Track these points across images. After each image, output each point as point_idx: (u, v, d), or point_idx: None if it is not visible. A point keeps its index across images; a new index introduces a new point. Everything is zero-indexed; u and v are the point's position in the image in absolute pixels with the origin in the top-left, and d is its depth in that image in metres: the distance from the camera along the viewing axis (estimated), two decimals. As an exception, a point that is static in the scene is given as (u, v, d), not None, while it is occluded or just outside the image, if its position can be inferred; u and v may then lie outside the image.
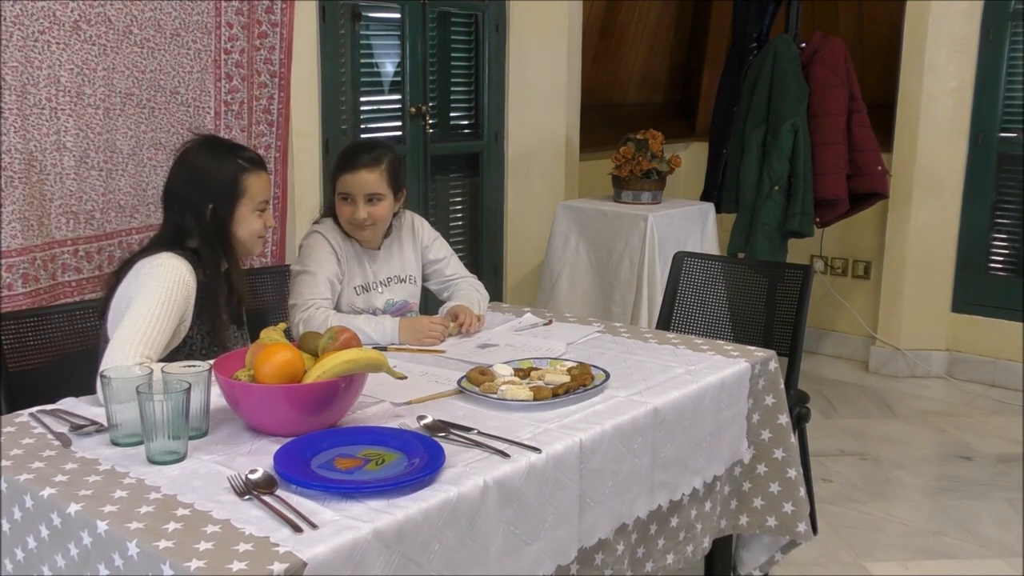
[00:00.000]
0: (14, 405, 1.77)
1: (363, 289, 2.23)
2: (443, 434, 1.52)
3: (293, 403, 1.52)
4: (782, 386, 2.05)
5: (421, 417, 1.59)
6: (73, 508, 1.23)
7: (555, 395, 1.71)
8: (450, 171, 4.03)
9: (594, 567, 1.64)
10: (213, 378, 1.54)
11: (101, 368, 1.62)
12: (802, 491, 2.06)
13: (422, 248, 2.41)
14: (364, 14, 3.38)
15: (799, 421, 2.47)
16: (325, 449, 1.44)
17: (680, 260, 2.87)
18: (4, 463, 1.39)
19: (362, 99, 3.45)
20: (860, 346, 4.64)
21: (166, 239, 1.89)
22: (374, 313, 2.22)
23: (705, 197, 4.39)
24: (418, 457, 1.41)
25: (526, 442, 1.50)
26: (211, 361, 1.63)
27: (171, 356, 1.80)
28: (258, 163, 1.93)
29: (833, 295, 4.66)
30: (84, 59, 2.32)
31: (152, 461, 1.40)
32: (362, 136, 3.45)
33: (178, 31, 2.50)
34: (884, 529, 2.85)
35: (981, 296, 4.30)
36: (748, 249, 3.96)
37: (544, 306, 3.87)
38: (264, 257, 2.85)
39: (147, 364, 1.64)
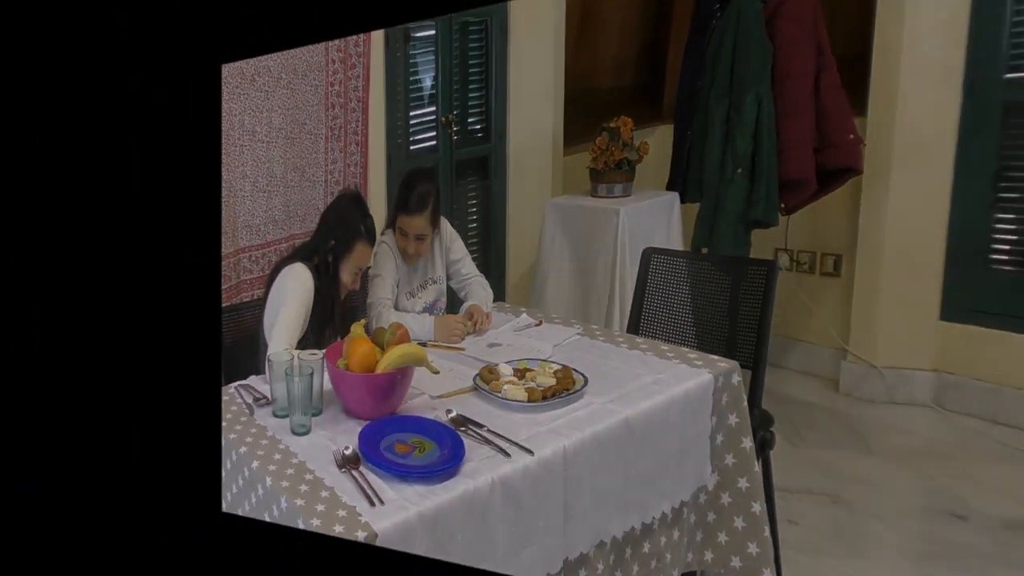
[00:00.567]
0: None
1: (410, 295, 2.65)
2: (463, 428, 1.70)
3: (370, 388, 1.81)
4: (745, 403, 1.99)
5: (448, 411, 1.79)
6: (254, 465, 1.67)
7: (544, 397, 1.83)
8: (468, 175, 4.05)
9: None
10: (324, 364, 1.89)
11: (268, 353, 2.08)
12: (766, 531, 1.99)
13: (445, 249, 2.65)
14: (412, 35, 3.60)
15: (763, 447, 2.30)
16: (388, 434, 1.70)
17: (648, 257, 2.70)
18: (224, 424, 1.82)
19: (411, 114, 3.67)
20: (829, 360, 3.79)
21: (305, 251, 2.42)
22: (419, 312, 2.58)
23: (670, 186, 3.84)
24: (447, 449, 1.60)
25: (523, 443, 1.62)
26: (323, 350, 1.98)
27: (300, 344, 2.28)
28: (370, 236, 2.40)
29: (800, 297, 3.86)
30: (257, 104, 3.00)
31: (294, 432, 1.79)
32: (410, 148, 3.69)
33: (305, 72, 3.17)
34: (858, 595, 2.42)
35: (979, 299, 3.26)
36: (712, 242, 3.46)
37: (536, 306, 3.68)
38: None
39: (289, 350, 2.09)
